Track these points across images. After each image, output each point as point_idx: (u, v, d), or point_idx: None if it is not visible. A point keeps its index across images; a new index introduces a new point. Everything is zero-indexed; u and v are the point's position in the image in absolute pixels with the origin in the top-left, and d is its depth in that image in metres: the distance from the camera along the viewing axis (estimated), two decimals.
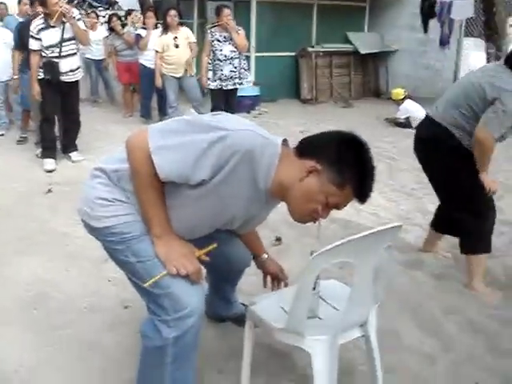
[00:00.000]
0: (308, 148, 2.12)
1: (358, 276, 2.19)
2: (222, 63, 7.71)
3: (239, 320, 3.02)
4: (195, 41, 8.48)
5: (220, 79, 7.75)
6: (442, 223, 4.15)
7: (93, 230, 2.26)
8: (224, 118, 2.11)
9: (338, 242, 2.03)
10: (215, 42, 7.69)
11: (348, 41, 12.37)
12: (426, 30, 11.18)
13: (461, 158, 3.51)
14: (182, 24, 8.44)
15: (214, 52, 7.72)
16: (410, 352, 3.02)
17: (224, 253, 2.59)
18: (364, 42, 12.47)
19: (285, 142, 2.18)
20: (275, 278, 2.83)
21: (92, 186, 2.24)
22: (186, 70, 8.26)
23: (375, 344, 2.45)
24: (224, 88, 7.80)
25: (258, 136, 2.04)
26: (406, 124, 9.57)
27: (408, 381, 2.79)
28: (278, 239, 4.42)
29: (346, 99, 11.91)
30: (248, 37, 10.82)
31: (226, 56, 7.71)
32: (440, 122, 3.54)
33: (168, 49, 8.18)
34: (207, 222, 2.28)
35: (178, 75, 8.26)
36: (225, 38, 7.70)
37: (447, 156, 3.55)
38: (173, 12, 8.17)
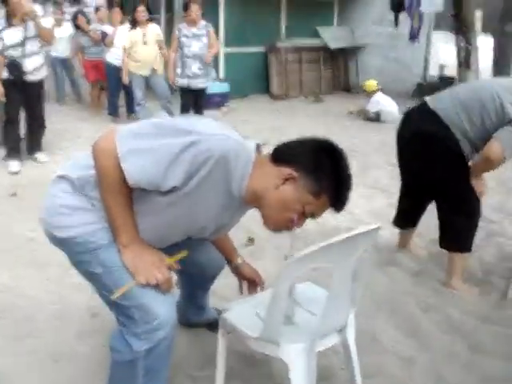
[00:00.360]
0: (284, 155, 2.03)
1: (336, 281, 2.11)
2: (190, 60, 7.60)
3: (212, 325, 2.94)
4: (162, 38, 8.34)
5: (188, 76, 7.64)
6: (405, 219, 4.13)
7: (56, 241, 2.14)
8: (197, 121, 2.00)
9: (314, 247, 1.94)
10: (183, 39, 7.56)
11: (318, 35, 12.31)
12: (396, 23, 11.15)
13: (455, 160, 3.45)
14: (150, 20, 8.25)
15: (181, 48, 7.59)
16: (388, 354, 2.95)
17: (196, 259, 2.50)
18: (334, 36, 12.44)
19: (258, 147, 2.10)
20: (251, 283, 2.73)
21: (54, 194, 2.12)
22: (153, 68, 8.10)
23: (354, 349, 2.37)
24: (192, 87, 7.70)
25: (233, 141, 1.94)
26: (375, 118, 9.54)
27: None
28: (251, 240, 4.33)
29: (317, 94, 11.86)
30: (216, 32, 10.75)
31: (194, 53, 7.59)
32: (443, 120, 3.41)
33: (136, 45, 7.99)
34: (177, 231, 2.18)
35: (145, 73, 8.09)
36: (193, 34, 7.58)
37: (443, 155, 3.45)
38: (141, 8, 7.98)
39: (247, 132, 7.43)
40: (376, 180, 6.20)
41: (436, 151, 3.44)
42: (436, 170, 3.50)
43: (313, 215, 2.06)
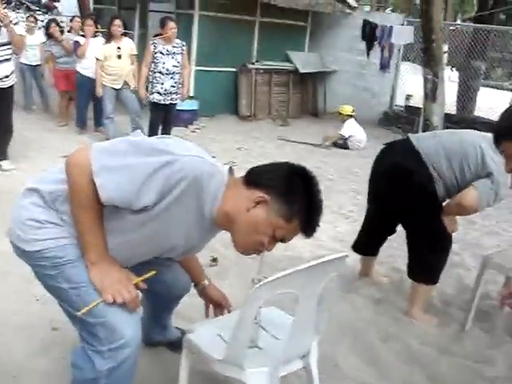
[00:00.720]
0: (257, 178, 2.06)
1: (302, 307, 2.13)
2: (163, 77, 7.61)
3: (174, 345, 2.93)
4: (137, 53, 8.34)
5: (159, 93, 7.64)
6: (365, 246, 4.19)
7: (23, 254, 2.11)
8: (172, 142, 2.01)
9: (282, 273, 1.97)
10: (158, 55, 7.56)
11: (288, 59, 12.43)
12: (368, 53, 11.35)
13: (429, 198, 3.50)
14: (125, 34, 8.24)
15: (155, 64, 7.59)
16: (348, 380, 2.98)
17: (163, 279, 2.48)
18: (304, 61, 12.57)
19: (231, 170, 2.12)
20: (217, 306, 2.72)
21: (23, 206, 2.10)
22: (125, 82, 8.08)
23: (316, 376, 2.38)
24: (162, 102, 7.70)
25: (206, 163, 1.97)
26: (343, 145, 9.64)
27: None
28: (215, 260, 4.32)
29: (284, 118, 11.94)
30: (189, 50, 10.76)
31: (168, 70, 7.61)
32: (424, 160, 3.45)
33: (110, 59, 7.96)
34: (146, 250, 2.18)
35: (117, 86, 8.05)
36: (168, 51, 7.59)
37: (418, 192, 3.49)
38: (117, 22, 7.95)
39: (215, 151, 7.47)
40: (340, 206, 6.27)
41: (412, 187, 3.48)
42: (410, 204, 3.53)
43: (283, 239, 2.08)
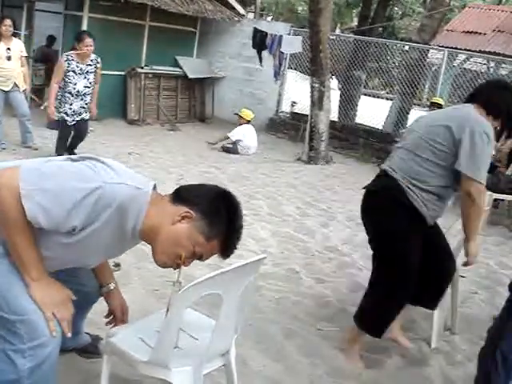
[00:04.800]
0: (184, 195, 2.16)
1: (225, 307, 2.25)
2: (72, 98, 7.19)
3: (86, 351, 2.98)
4: (27, 54, 8.07)
5: (66, 113, 7.23)
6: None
7: None
8: (100, 167, 2.07)
9: (208, 275, 2.08)
10: (70, 73, 7.09)
11: (177, 64, 12.49)
12: (260, 61, 11.58)
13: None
14: (15, 35, 7.93)
15: (65, 83, 7.13)
16: (258, 377, 3.13)
17: (78, 284, 2.52)
18: (192, 66, 12.67)
19: (154, 187, 2.20)
20: (114, 315, 2.70)
21: None
22: (15, 84, 7.78)
23: (234, 371, 2.51)
24: (72, 123, 7.30)
25: (130, 189, 2.04)
26: (231, 149, 9.80)
27: None
28: (117, 265, 4.33)
29: (173, 122, 11.97)
30: None
31: (78, 92, 7.20)
32: (395, 177, 3.25)
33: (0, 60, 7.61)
34: (68, 262, 2.27)
35: (6, 88, 7.71)
36: (81, 70, 7.14)
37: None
38: (8, 22, 7.58)
39: (108, 155, 7.39)
40: None
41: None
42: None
43: (201, 257, 2.18)
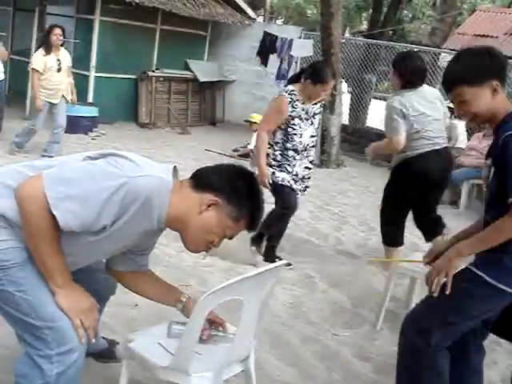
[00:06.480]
0: (205, 181, 2.17)
1: (246, 313, 2.24)
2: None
3: (103, 356, 2.98)
4: (71, 64, 7.84)
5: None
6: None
7: None
8: (122, 161, 2.06)
9: (229, 281, 2.08)
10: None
11: (188, 68, 12.51)
12: (266, 64, 11.56)
13: None
14: (62, 45, 7.56)
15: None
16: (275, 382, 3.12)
17: (95, 278, 2.53)
18: (203, 70, 12.69)
19: (175, 171, 2.20)
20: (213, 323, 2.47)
21: None
22: (62, 95, 7.52)
23: (254, 377, 2.50)
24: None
25: (154, 179, 2.04)
26: (247, 155, 9.70)
27: None
28: None
29: (183, 126, 11.97)
30: (88, 56, 10.60)
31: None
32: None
33: (49, 72, 7.33)
34: (95, 259, 2.33)
35: (55, 101, 7.46)
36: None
37: None
38: (58, 31, 7.29)
39: None
40: None
41: None
42: None
43: (231, 237, 2.23)
